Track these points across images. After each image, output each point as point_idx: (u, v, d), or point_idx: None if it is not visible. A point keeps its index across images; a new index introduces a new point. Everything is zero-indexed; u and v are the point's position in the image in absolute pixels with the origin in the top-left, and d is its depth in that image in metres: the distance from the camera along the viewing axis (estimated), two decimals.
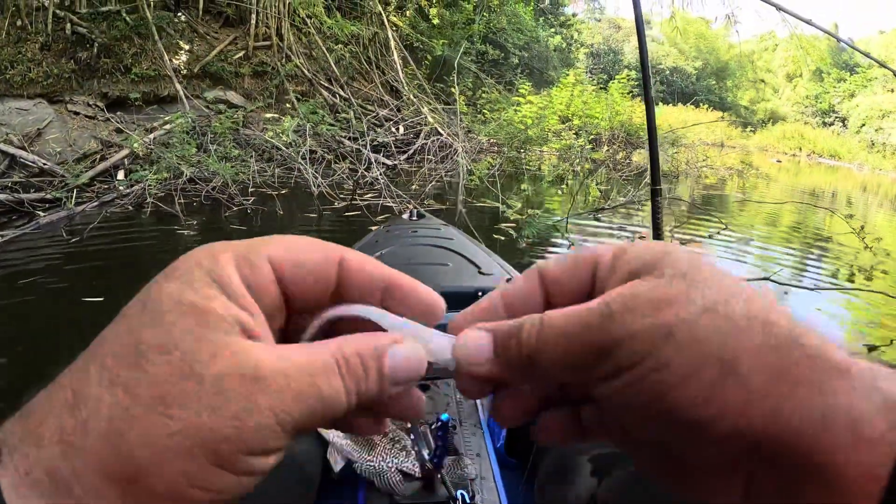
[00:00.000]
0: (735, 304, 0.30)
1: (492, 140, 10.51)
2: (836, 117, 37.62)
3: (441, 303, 0.39)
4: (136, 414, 0.28)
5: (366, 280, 0.37)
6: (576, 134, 11.72)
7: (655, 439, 0.33)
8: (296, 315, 0.38)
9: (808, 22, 3.00)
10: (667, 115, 19.59)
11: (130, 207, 5.97)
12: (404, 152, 9.51)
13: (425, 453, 1.04)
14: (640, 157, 12.21)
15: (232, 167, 6.86)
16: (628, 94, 14.39)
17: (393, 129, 10.22)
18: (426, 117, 10.17)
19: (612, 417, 0.36)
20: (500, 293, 0.40)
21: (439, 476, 1.03)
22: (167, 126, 7.90)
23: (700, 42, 37.65)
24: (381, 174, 7.11)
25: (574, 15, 25.29)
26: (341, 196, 6.85)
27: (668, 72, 35.30)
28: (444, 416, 1.02)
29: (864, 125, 33.75)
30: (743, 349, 0.29)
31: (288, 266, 0.35)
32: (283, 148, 7.76)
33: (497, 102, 12.54)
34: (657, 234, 2.01)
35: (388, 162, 8.52)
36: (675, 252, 0.34)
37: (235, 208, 6.36)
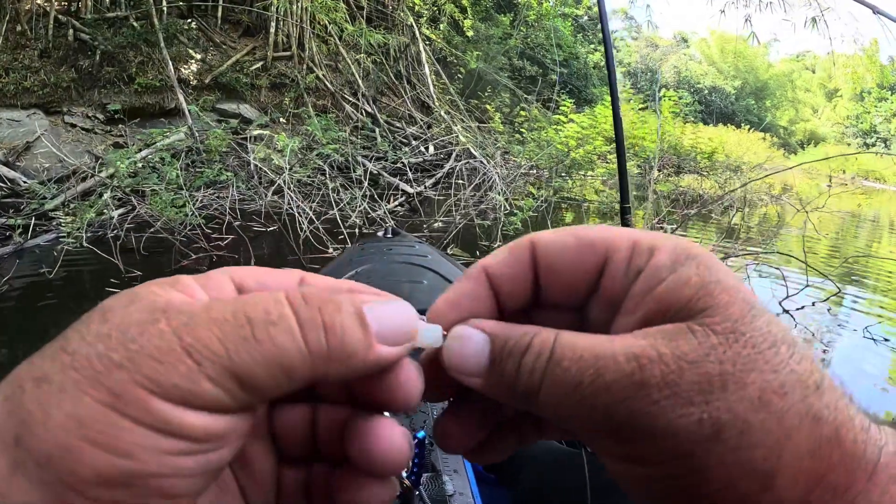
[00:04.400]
0: (790, 395, 0.26)
1: (533, 164, 9.07)
2: (878, 138, 35.64)
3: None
4: (34, 360, 0.25)
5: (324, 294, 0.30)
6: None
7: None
8: None
9: None
10: (724, 138, 17.99)
11: (85, 245, 4.64)
12: (431, 174, 8.15)
13: (402, 471, 0.63)
14: (693, 182, 10.77)
15: (185, 205, 5.31)
16: (680, 115, 12.88)
17: (422, 149, 8.91)
18: (458, 136, 8.82)
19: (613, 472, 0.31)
20: (482, 267, 0.33)
21: (417, 493, 1.01)
22: (165, 141, 6.71)
23: (739, 61, 36.05)
24: (399, 202, 5.79)
25: (613, 31, 24.01)
26: (340, 238, 5.32)
27: (706, 91, 33.60)
28: (420, 434, 0.99)
29: None
30: (788, 458, 0.25)
31: (250, 282, 0.31)
32: (270, 172, 6.32)
33: (536, 121, 11.17)
34: None
35: (410, 189, 7.10)
36: (721, 281, 0.28)
37: (194, 256, 4.82)
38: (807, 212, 5.31)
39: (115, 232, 4.87)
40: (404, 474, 0.96)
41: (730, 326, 0.26)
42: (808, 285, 4.78)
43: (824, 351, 3.92)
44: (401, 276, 2.04)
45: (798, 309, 4.51)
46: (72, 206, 5.27)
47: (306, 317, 0.26)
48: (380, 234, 2.73)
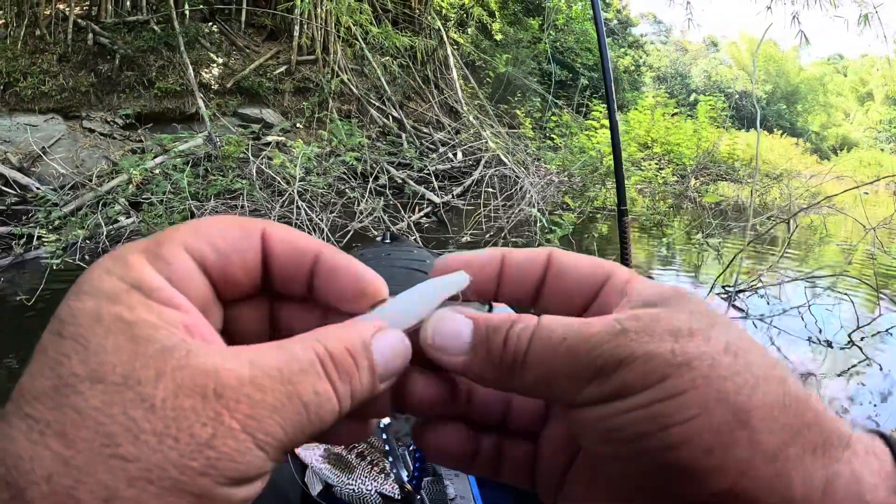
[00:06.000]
0: (754, 354, 0.27)
1: (567, 172, 8.50)
2: None
3: (380, 283, 0.33)
4: (81, 464, 0.22)
5: (292, 253, 0.31)
6: (657, 164, 9.61)
7: (629, 483, 0.29)
8: (232, 308, 0.32)
9: None
10: (762, 145, 17.27)
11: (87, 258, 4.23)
12: (459, 182, 7.61)
13: (404, 475, 1.00)
14: (728, 190, 10.12)
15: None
16: (717, 120, 12.18)
17: (449, 155, 8.43)
18: (487, 142, 8.31)
19: (589, 448, 0.31)
20: (503, 255, 0.35)
21: (419, 497, 1.00)
22: (182, 147, 6.33)
23: (769, 65, 35.05)
24: (425, 213, 5.29)
25: (643, 36, 23.37)
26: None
27: (737, 96, 32.64)
28: None
29: None
30: (760, 402, 0.26)
31: (210, 255, 0.29)
32: (282, 182, 5.80)
33: (568, 126, 10.63)
34: (624, 255, 1.95)
35: (436, 199, 6.59)
36: (693, 294, 0.31)
37: None
38: (874, 229, 4.67)
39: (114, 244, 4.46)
40: (405, 477, 0.99)
41: (699, 311, 0.29)
42: (880, 314, 4.17)
43: None
44: (400, 281, 1.67)
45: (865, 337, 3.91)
46: (78, 214, 4.89)
47: (343, 393, 0.27)
48: (378, 238, 2.67)
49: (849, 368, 3.61)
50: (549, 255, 0.34)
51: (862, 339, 3.91)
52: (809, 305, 4.19)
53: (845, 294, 4.38)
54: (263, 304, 0.34)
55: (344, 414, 0.28)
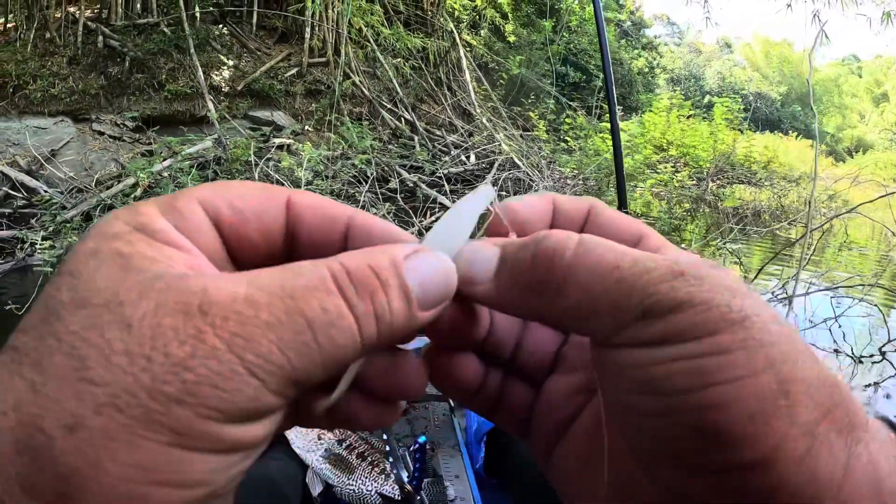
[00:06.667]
0: (792, 329, 0.25)
1: (582, 175, 8.29)
2: None
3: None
4: (50, 391, 0.20)
5: (323, 219, 0.29)
6: (673, 167, 9.36)
7: (650, 443, 0.26)
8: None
9: None
10: (779, 147, 16.91)
11: None
12: (472, 186, 7.35)
13: (404, 476, 1.02)
14: (747, 195, 9.87)
15: None
16: (732, 122, 11.91)
17: (462, 157, 8.23)
18: (500, 144, 8.13)
19: (618, 397, 0.27)
20: (553, 197, 0.33)
21: (419, 498, 1.01)
22: (191, 150, 6.21)
23: (784, 66, 34.64)
24: (436, 218, 5.08)
25: (656, 37, 23.11)
26: None
27: (751, 97, 32.24)
28: (421, 438, 1.01)
29: None
30: (800, 375, 0.24)
31: (225, 210, 0.27)
32: (290, 186, 5.58)
33: (582, 129, 10.42)
34: None
35: (449, 203, 6.42)
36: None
37: None
38: None
39: None
40: (405, 478, 1.02)
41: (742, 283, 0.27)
42: None
43: None
44: None
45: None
46: (75, 220, 4.77)
47: (361, 312, 0.24)
48: None
49: (878, 382, 3.44)
50: (591, 204, 0.33)
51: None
52: (837, 318, 3.97)
53: (875, 306, 4.15)
54: None
55: (370, 343, 0.24)
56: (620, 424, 0.28)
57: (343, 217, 0.29)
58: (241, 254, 0.28)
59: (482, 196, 0.32)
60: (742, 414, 0.23)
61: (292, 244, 0.29)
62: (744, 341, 0.23)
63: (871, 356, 3.71)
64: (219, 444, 0.21)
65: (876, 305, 4.14)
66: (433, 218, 5.92)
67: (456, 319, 0.31)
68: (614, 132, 1.87)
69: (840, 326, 3.96)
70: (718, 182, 10.30)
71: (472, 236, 0.31)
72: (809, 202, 3.34)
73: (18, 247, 4.37)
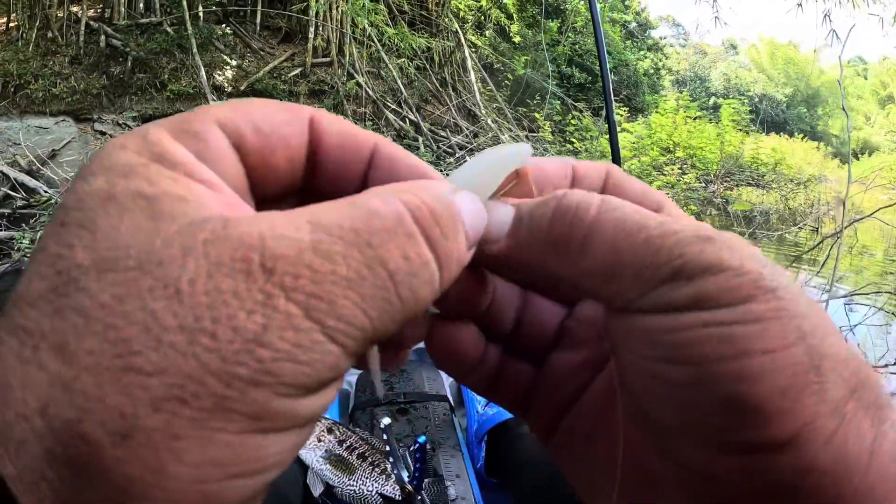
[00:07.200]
0: (821, 307, 0.24)
1: None
2: None
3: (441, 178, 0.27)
4: (88, 387, 0.16)
5: (347, 144, 0.26)
6: (681, 169, 9.25)
7: (673, 417, 0.23)
8: (262, 209, 0.24)
9: None
10: (787, 148, 16.79)
11: None
12: None
13: (405, 476, 1.01)
14: (755, 197, 9.74)
15: None
16: (739, 124, 11.79)
17: (467, 159, 8.13)
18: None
19: (643, 367, 0.24)
20: (572, 162, 0.31)
21: (419, 498, 1.01)
22: None
23: (789, 67, 34.48)
24: None
25: (662, 38, 22.99)
26: None
27: (756, 99, 32.08)
28: (421, 438, 1.01)
29: None
30: (830, 350, 0.22)
31: (250, 134, 0.23)
32: None
33: (588, 130, 10.31)
34: None
35: None
36: None
37: None
38: None
39: None
40: (406, 478, 1.00)
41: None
42: None
43: None
44: None
45: None
46: None
47: (445, 255, 0.22)
48: None
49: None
50: (608, 169, 0.31)
51: None
52: (853, 327, 3.85)
53: (891, 313, 4.03)
54: (295, 205, 0.24)
55: (442, 290, 0.22)
56: (639, 398, 0.25)
57: (368, 144, 0.26)
58: (263, 183, 0.24)
59: (516, 153, 0.29)
60: (774, 387, 0.21)
61: (313, 170, 0.26)
62: (777, 311, 0.22)
63: (887, 366, 3.59)
64: (297, 420, 0.19)
65: (893, 313, 4.03)
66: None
67: (463, 283, 0.27)
68: (612, 132, 1.85)
69: (854, 335, 3.84)
70: (726, 184, 10.18)
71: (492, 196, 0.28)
72: (843, 202, 3.21)
73: (16, 248, 4.29)
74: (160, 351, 0.16)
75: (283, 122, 0.24)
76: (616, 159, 2.00)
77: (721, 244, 0.23)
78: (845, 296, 4.25)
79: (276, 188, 0.25)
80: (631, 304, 0.24)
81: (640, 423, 0.26)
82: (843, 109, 3.79)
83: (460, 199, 0.24)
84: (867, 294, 4.23)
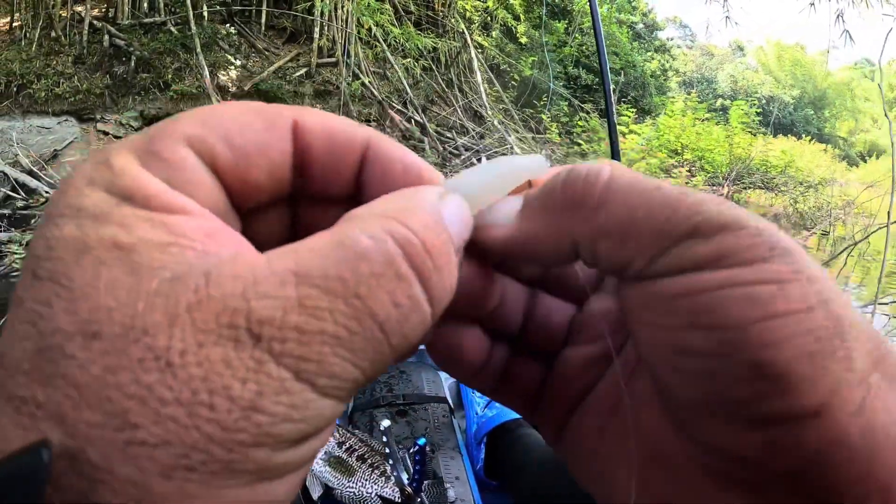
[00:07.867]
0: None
1: None
2: None
3: (439, 176, 0.27)
4: (94, 458, 0.17)
5: (336, 145, 0.25)
6: (689, 172, 9.11)
7: (694, 391, 0.22)
8: (253, 218, 0.25)
9: None
10: (797, 151, 16.64)
11: None
12: None
13: (404, 478, 1.01)
14: (763, 200, 9.59)
15: None
16: (748, 126, 11.63)
17: (473, 160, 8.10)
18: (512, 147, 7.99)
19: (662, 335, 0.23)
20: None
21: (419, 500, 1.01)
22: None
23: (796, 69, 34.24)
24: None
25: (670, 39, 22.81)
26: None
27: (763, 100, 31.86)
28: (420, 441, 1.01)
29: None
30: (852, 318, 0.21)
31: (222, 151, 0.22)
32: None
33: (595, 132, 10.20)
34: None
35: None
36: None
37: None
38: None
39: None
40: (405, 480, 0.99)
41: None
42: None
43: None
44: None
45: None
46: None
47: (437, 291, 0.21)
48: None
49: None
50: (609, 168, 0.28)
51: None
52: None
53: None
54: (285, 209, 0.26)
55: (434, 322, 0.21)
56: (660, 375, 0.24)
57: (358, 142, 0.25)
58: (244, 199, 0.23)
59: (531, 164, 0.28)
60: (801, 352, 0.20)
61: (301, 176, 0.25)
62: (796, 273, 0.21)
63: None
64: (301, 459, 0.19)
65: None
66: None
67: (470, 282, 0.27)
68: (612, 131, 1.81)
69: None
70: (735, 187, 10.04)
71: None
72: (888, 211, 3.07)
73: (12, 252, 4.20)
74: (161, 424, 0.16)
75: (260, 131, 0.22)
76: (616, 157, 1.92)
77: (735, 207, 0.22)
78: (865, 305, 4.11)
79: (258, 200, 0.24)
80: (650, 267, 0.22)
81: (659, 407, 0.25)
82: (886, 116, 3.65)
83: (446, 208, 0.23)
84: (887, 304, 4.09)
